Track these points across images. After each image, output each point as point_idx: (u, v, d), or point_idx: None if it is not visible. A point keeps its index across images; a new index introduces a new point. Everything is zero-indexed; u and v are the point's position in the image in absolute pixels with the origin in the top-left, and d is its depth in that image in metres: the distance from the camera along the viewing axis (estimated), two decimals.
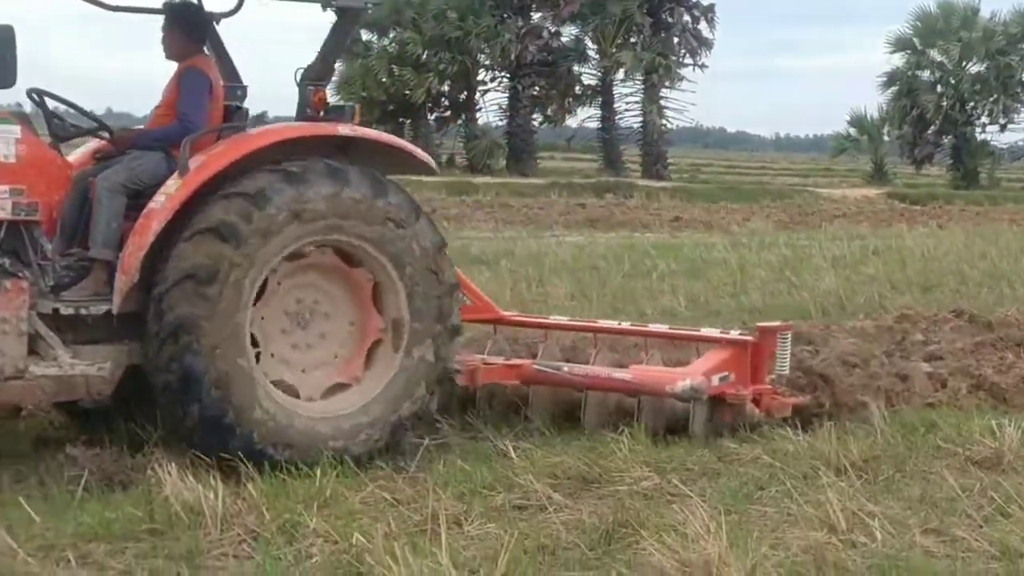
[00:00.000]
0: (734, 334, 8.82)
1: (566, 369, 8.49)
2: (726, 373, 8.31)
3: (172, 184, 7.22)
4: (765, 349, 8.57)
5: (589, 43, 48.10)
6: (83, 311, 7.17)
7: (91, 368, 7.06)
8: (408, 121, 47.88)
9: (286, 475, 6.75)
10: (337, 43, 7.99)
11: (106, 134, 7.88)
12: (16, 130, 7.24)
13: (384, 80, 45.66)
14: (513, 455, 7.33)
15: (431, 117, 48.46)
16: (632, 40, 47.02)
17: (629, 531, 6.06)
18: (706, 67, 48.37)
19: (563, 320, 9.68)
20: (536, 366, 8.55)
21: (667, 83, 47.74)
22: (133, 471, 6.84)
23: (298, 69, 7.92)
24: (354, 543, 5.71)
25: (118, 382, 7.18)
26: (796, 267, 17.13)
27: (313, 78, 7.86)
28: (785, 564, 5.64)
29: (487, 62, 47.31)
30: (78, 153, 8.11)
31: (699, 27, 48.05)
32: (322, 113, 7.82)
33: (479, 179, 38.80)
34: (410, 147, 8.01)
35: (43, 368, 6.96)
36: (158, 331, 7.00)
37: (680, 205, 34.15)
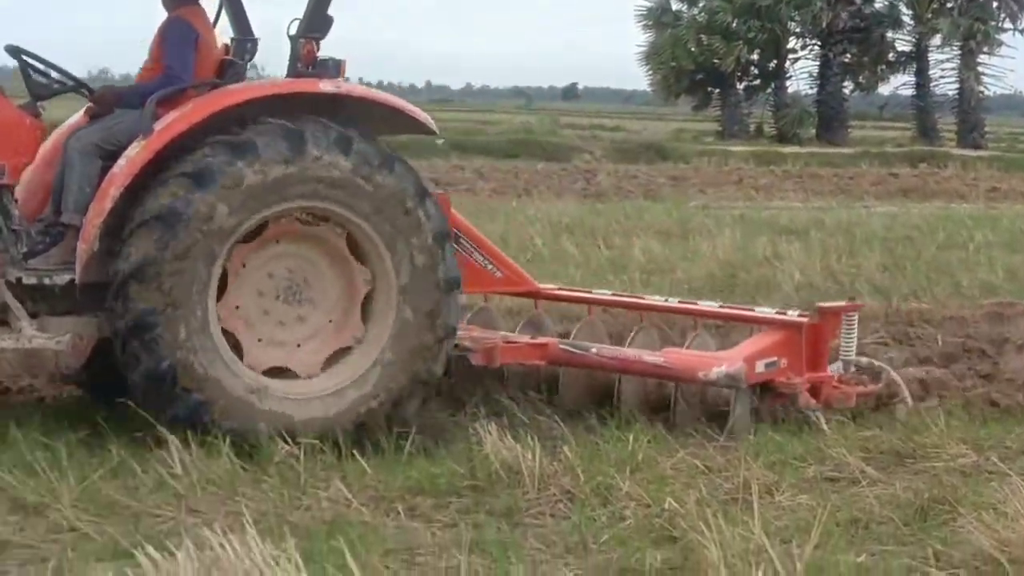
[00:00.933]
0: (791, 315, 8.00)
1: (594, 350, 7.79)
2: (774, 359, 7.57)
3: (134, 146, 6.83)
4: (826, 332, 7.83)
5: (903, 8, 46.81)
6: (47, 280, 6.82)
7: (49, 341, 6.75)
8: (717, 90, 47.60)
9: (599, 439, 6.90)
10: None
11: (86, 92, 7.51)
12: None
13: (693, 50, 45.55)
14: (825, 427, 7.30)
15: (740, 86, 48.07)
16: (948, 5, 45.53)
17: (945, 508, 5.95)
18: None
19: (605, 295, 9.00)
20: (562, 346, 7.90)
21: (985, 49, 46.05)
22: (456, 430, 7.12)
23: (293, 20, 7.51)
24: (666, 507, 5.80)
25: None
26: None
27: (307, 30, 7.42)
28: None
29: (797, 29, 46.62)
30: (79, 115, 7.68)
31: None
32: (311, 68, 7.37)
33: (787, 149, 38.27)
34: (402, 104, 7.40)
35: (3, 340, 6.70)
36: (118, 326, 6.67)
37: (997, 175, 32.87)
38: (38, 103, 7.28)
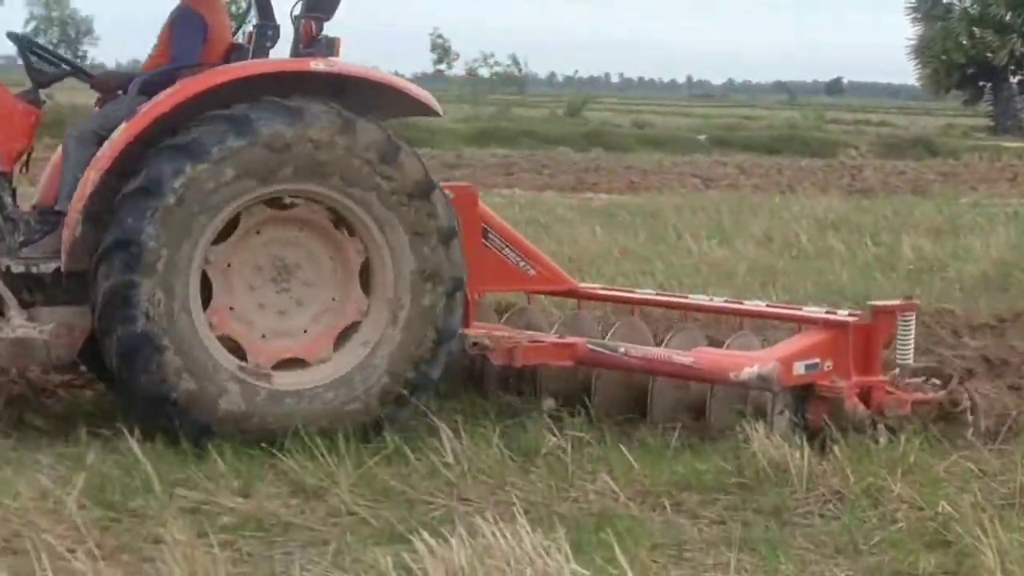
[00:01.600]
0: (842, 314, 7.38)
1: (622, 350, 7.22)
2: (816, 360, 6.96)
3: (118, 130, 6.69)
4: (879, 333, 7.18)
5: None
6: (34, 269, 6.75)
7: (33, 331, 6.65)
8: (989, 85, 46.12)
9: (870, 440, 6.78)
10: None
11: (86, 78, 7.46)
12: None
13: (964, 42, 44.25)
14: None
15: (1013, 80, 46.43)
16: None
17: None
18: None
19: (649, 294, 8.47)
20: (590, 345, 7.34)
21: None
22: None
23: (297, 2, 7.29)
24: (940, 511, 5.67)
25: None
26: None
27: (308, 10, 7.21)
28: None
29: None
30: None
31: None
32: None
33: None
34: (402, 84, 7.10)
35: None
36: (95, 301, 6.54)
37: None
38: (40, 90, 7.27)
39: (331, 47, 7.11)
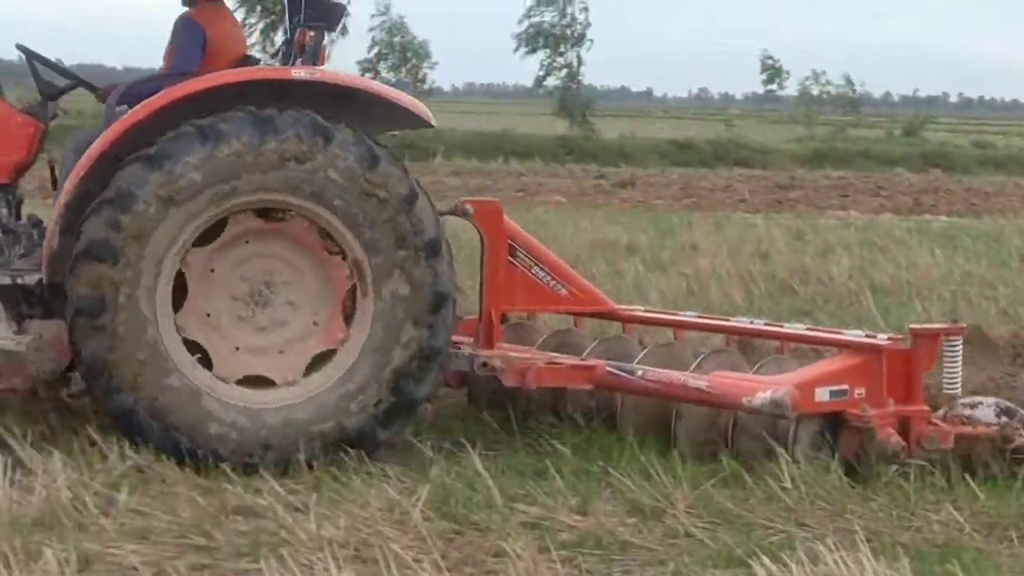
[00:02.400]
0: (881, 338, 6.77)
1: (639, 373, 6.79)
2: (844, 386, 6.44)
3: (96, 141, 6.59)
4: (919, 359, 6.59)
5: None
6: (19, 281, 6.66)
7: (10, 343, 6.54)
8: None
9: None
10: None
11: (92, 90, 7.40)
12: None
13: None
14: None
15: None
16: None
17: None
18: None
19: (690, 317, 7.87)
20: (608, 368, 6.89)
21: None
22: None
23: (295, 17, 7.11)
24: None
25: None
26: None
27: (306, 20, 7.00)
28: None
29: None
30: None
31: None
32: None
33: None
34: (388, 93, 6.78)
35: None
36: (67, 313, 6.40)
37: None
38: (50, 102, 7.26)
39: (313, 54, 6.94)
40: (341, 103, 6.70)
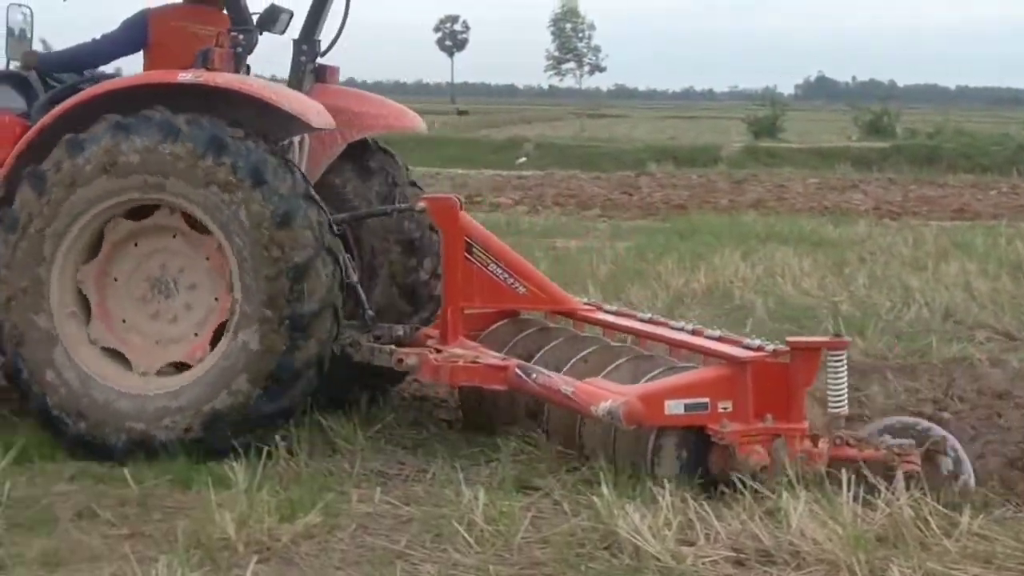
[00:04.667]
0: (769, 348, 6.37)
1: (534, 375, 6.60)
2: (703, 400, 6.14)
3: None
4: (798, 374, 6.21)
5: None
6: None
7: None
8: None
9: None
10: None
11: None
12: None
13: None
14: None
15: None
16: None
17: None
18: None
19: (636, 322, 7.45)
20: (516, 370, 6.70)
21: None
22: None
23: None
24: None
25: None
26: None
27: (237, 24, 7.44)
28: None
29: None
30: None
31: None
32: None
33: None
34: (268, 97, 6.78)
35: None
36: None
37: None
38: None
39: (206, 59, 7.08)
40: (262, 108, 6.88)
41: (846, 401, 6.31)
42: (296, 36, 7.80)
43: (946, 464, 6.21)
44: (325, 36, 7.88)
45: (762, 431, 6.12)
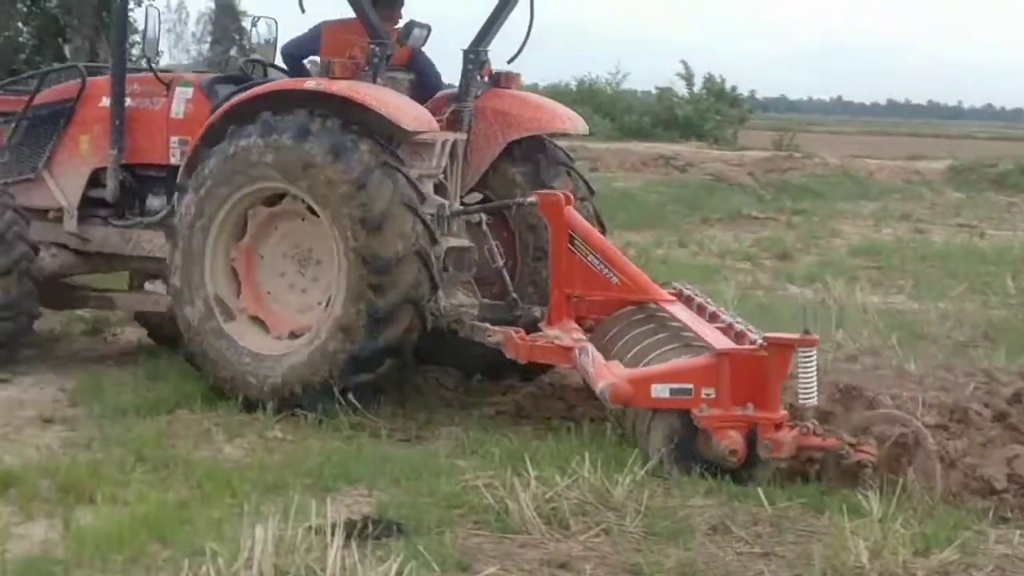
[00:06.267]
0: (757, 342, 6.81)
1: (582, 357, 7.31)
2: (687, 385, 6.65)
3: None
4: (774, 367, 6.63)
5: None
6: None
7: None
8: None
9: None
10: None
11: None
12: (189, 91, 8.89)
13: None
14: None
15: None
16: None
17: None
18: None
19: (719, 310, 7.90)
20: (576, 351, 7.43)
21: None
22: None
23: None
24: None
25: None
26: None
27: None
28: None
29: None
30: None
31: None
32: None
33: None
34: (372, 104, 7.89)
35: None
36: None
37: None
38: None
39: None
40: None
41: (815, 394, 6.73)
42: (466, 47, 8.93)
43: (919, 454, 6.57)
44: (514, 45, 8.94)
45: (739, 418, 6.58)
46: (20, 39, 20.83)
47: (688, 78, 43.81)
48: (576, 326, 8.06)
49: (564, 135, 9.08)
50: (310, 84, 8.13)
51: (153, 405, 7.81)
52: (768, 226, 20.00)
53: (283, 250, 8.24)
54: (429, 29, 9.01)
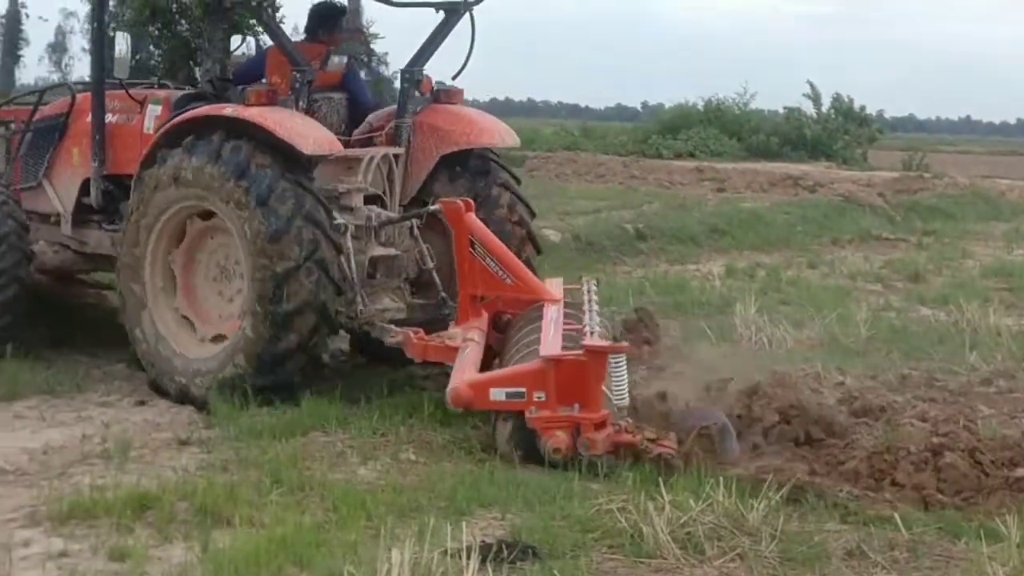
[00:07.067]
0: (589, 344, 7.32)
1: (464, 355, 8.01)
2: (521, 389, 7.26)
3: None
4: (592, 371, 7.19)
5: None
6: None
7: None
8: None
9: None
10: None
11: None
12: (159, 108, 9.51)
13: None
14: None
15: None
16: None
17: None
18: None
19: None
20: (460, 349, 8.15)
21: None
22: None
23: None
24: None
25: None
26: None
27: None
28: None
29: None
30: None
31: None
32: None
33: None
34: (270, 127, 8.56)
35: None
36: None
37: None
38: None
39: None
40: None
41: (627, 395, 7.34)
42: (402, 67, 9.78)
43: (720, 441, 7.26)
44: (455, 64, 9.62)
45: (564, 419, 7.17)
46: (152, 62, 21.25)
47: (816, 98, 43.43)
48: (479, 325, 8.58)
49: (505, 148, 9.70)
50: (228, 111, 8.83)
51: (287, 427, 7.95)
52: (899, 247, 19.77)
53: (216, 259, 9.00)
54: (351, 57, 10.01)
